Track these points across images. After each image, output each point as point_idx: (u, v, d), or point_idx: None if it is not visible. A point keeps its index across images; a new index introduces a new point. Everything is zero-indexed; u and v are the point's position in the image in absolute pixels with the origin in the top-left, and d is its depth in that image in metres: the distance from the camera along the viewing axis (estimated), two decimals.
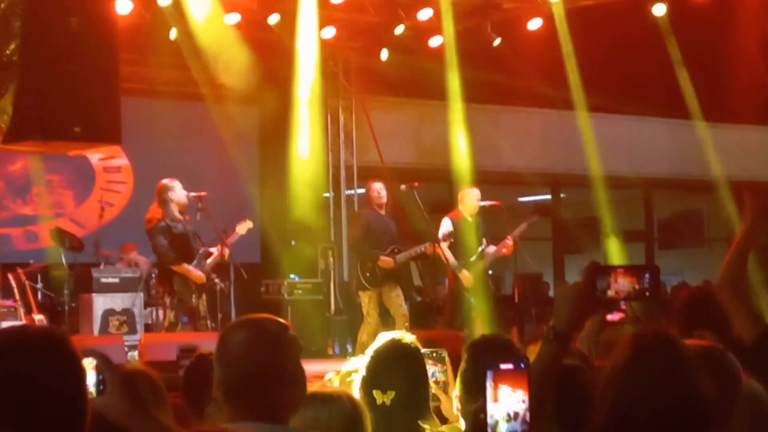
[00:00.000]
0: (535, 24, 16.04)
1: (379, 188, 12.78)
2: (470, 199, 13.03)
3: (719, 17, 16.37)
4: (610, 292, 3.34)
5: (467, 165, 16.29)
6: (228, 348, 3.55)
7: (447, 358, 5.11)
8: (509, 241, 12.98)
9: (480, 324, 12.97)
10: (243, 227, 12.45)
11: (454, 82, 16.37)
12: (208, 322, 12.35)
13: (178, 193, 11.79)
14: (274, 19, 14.67)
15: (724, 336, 4.47)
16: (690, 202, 25.59)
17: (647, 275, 3.35)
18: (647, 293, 3.33)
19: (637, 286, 3.35)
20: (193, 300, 11.78)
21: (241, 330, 3.58)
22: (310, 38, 16.33)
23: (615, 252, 18.38)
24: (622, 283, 3.35)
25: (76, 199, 16.48)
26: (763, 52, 18.27)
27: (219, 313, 13.27)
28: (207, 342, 11.13)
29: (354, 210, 18.04)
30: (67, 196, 16.49)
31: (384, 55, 17.04)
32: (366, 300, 12.58)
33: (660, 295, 3.53)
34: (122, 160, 16.63)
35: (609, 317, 6.79)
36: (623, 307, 10.34)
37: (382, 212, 12.74)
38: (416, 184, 13.09)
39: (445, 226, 12.83)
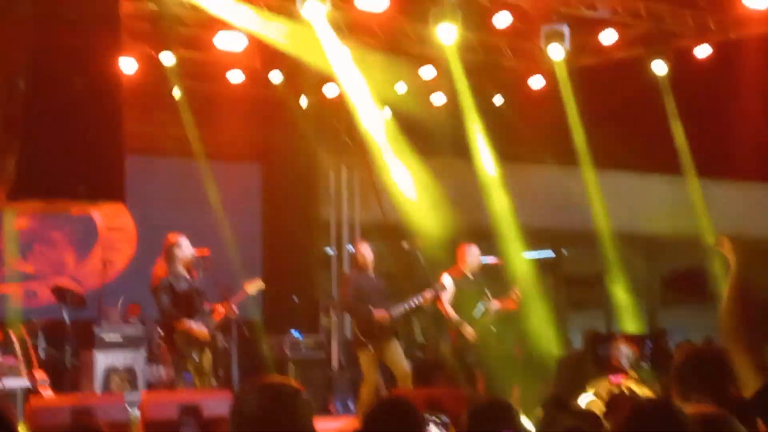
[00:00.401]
0: (537, 82, 16.14)
1: (365, 250, 12.77)
2: (471, 257, 13.03)
3: (719, 75, 16.45)
4: (613, 360, 3.34)
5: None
6: (243, 412, 3.58)
7: (450, 426, 5.09)
8: (513, 296, 12.96)
9: (483, 382, 12.91)
10: (252, 287, 12.37)
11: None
12: (211, 380, 12.30)
13: (184, 249, 11.78)
14: (276, 77, 14.74)
15: (722, 397, 4.45)
16: (692, 258, 25.54)
17: (649, 342, 3.34)
18: (649, 360, 3.33)
19: (638, 354, 3.34)
20: (195, 357, 11.72)
21: (256, 394, 3.61)
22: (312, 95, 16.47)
23: (622, 307, 18.34)
24: (623, 351, 3.34)
25: (78, 258, 16.48)
26: (764, 109, 18.33)
27: (220, 371, 13.24)
28: (209, 401, 11.13)
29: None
30: (69, 254, 16.49)
31: (387, 113, 17.12)
32: (365, 359, 12.52)
33: (663, 362, 3.53)
34: (126, 219, 16.63)
35: (612, 379, 6.79)
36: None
37: (371, 273, 12.72)
38: (418, 241, 13.10)
39: (446, 283, 12.83)
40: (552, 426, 3.31)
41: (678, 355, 5.58)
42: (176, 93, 14.85)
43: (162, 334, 12.45)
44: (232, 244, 16.43)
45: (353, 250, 12.87)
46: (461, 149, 19.62)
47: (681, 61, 15.13)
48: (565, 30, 14.26)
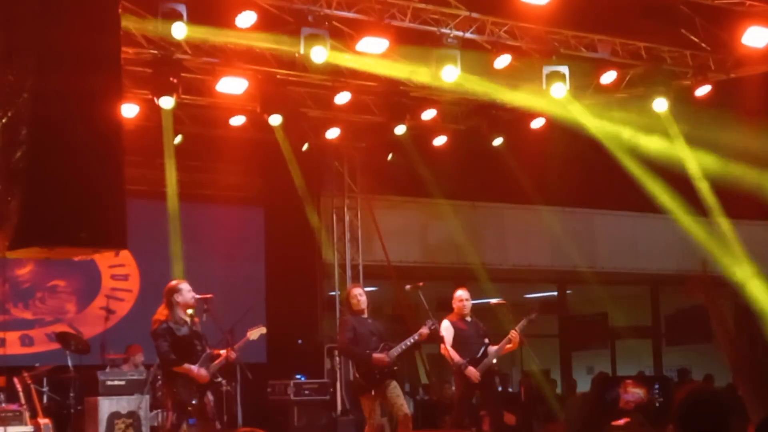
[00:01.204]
0: (537, 123, 16.18)
1: (358, 294, 12.73)
2: (456, 302, 13.10)
3: (717, 109, 16.48)
4: (621, 403, 3.34)
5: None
6: None
7: None
8: (514, 334, 12.92)
9: (488, 424, 12.87)
10: (255, 333, 12.38)
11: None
12: (216, 424, 12.26)
13: (184, 295, 11.78)
14: (276, 120, 14.79)
15: None
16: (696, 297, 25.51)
17: (657, 385, 3.35)
18: (657, 404, 3.33)
19: (646, 397, 3.34)
20: (194, 401, 11.69)
21: None
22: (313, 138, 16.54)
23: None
24: (632, 394, 3.34)
25: (78, 305, 16.46)
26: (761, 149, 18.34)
27: (225, 415, 13.21)
28: None
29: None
30: (70, 302, 16.47)
31: (390, 155, 17.20)
32: (366, 402, 12.47)
33: (670, 406, 3.53)
34: (130, 267, 16.63)
35: (614, 422, 6.77)
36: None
37: (365, 316, 12.70)
38: (421, 284, 13.09)
39: (446, 328, 12.83)
40: None
41: (678, 396, 5.56)
42: (177, 139, 14.87)
43: (162, 378, 12.43)
44: (236, 288, 16.44)
45: (349, 295, 12.79)
46: (462, 192, 19.71)
47: (680, 96, 15.16)
48: (566, 71, 14.30)
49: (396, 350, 12.53)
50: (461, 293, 13.16)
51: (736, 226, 19.66)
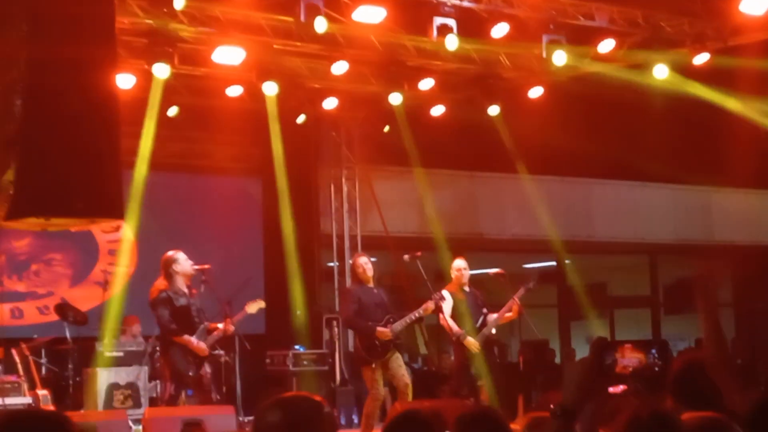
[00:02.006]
0: (535, 92, 16.12)
1: (364, 263, 12.72)
2: (454, 272, 13.09)
3: (716, 81, 16.44)
4: (618, 368, 3.35)
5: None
6: (266, 427, 3.58)
7: None
8: (513, 304, 12.92)
9: (485, 393, 12.89)
10: (254, 307, 12.43)
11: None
12: (213, 395, 12.29)
13: (182, 264, 11.82)
14: (270, 88, 14.70)
15: (716, 408, 4.44)
16: (694, 266, 25.54)
17: (654, 350, 3.35)
18: (656, 368, 3.34)
19: (644, 361, 3.35)
20: (191, 373, 11.71)
21: (277, 410, 3.60)
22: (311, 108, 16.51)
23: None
24: (629, 359, 3.34)
25: (73, 280, 16.41)
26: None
27: (224, 386, 13.23)
28: (211, 416, 11.13)
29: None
30: (65, 275, 16.42)
31: (386, 127, 17.17)
32: (369, 374, 12.49)
33: (668, 370, 3.52)
34: (127, 236, 16.56)
35: (611, 389, 6.76)
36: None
37: (371, 285, 12.68)
38: (419, 254, 13.08)
39: (445, 295, 12.82)
40: None
41: (676, 364, 5.56)
42: (173, 110, 14.79)
43: (160, 349, 12.46)
44: (234, 259, 16.43)
45: (355, 264, 12.80)
46: (462, 161, 19.67)
47: (680, 65, 15.10)
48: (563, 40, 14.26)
49: (400, 324, 12.55)
50: (460, 263, 13.16)
51: None
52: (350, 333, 17.69)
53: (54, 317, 14.66)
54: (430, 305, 12.51)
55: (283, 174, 16.83)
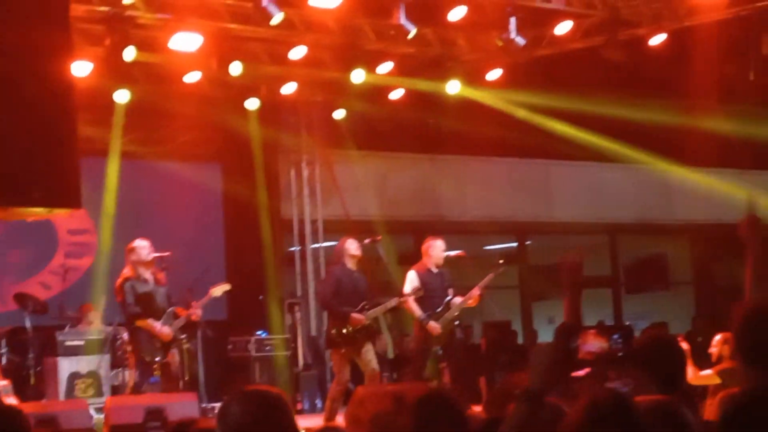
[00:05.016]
0: (495, 74, 16.14)
1: (351, 246, 12.71)
2: (436, 251, 13.01)
3: (676, 61, 16.54)
4: (581, 353, 3.38)
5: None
6: (230, 420, 3.70)
7: None
8: (476, 292, 12.96)
9: (448, 375, 12.93)
10: (219, 290, 12.50)
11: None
12: (180, 383, 12.33)
13: (139, 253, 11.92)
14: (236, 68, 14.62)
15: (674, 385, 4.51)
16: (654, 246, 25.71)
17: (617, 336, 3.39)
18: (619, 353, 3.38)
19: (607, 347, 3.39)
20: (158, 358, 11.73)
21: (241, 402, 3.73)
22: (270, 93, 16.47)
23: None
24: (592, 344, 3.37)
25: (31, 269, 16.29)
26: (719, 96, 18.46)
27: (187, 373, 13.21)
28: (174, 404, 11.11)
29: (320, 263, 18.07)
30: (23, 264, 16.29)
31: (341, 113, 17.19)
32: (337, 358, 12.51)
33: (632, 355, 3.56)
34: (86, 224, 16.47)
35: (576, 373, 6.81)
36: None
37: (354, 268, 12.68)
38: (379, 238, 13.09)
39: (411, 279, 12.81)
40: (525, 420, 3.31)
41: (638, 342, 5.61)
42: (125, 95, 14.57)
43: (125, 336, 12.46)
44: (195, 246, 16.38)
45: (344, 246, 12.72)
46: (421, 144, 19.68)
47: (638, 47, 15.17)
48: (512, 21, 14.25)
49: (374, 312, 12.61)
50: (442, 243, 13.09)
51: None
52: (312, 318, 17.72)
53: (13, 306, 14.56)
54: (408, 296, 12.53)
55: (244, 159, 16.81)
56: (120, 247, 12.27)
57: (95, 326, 14.56)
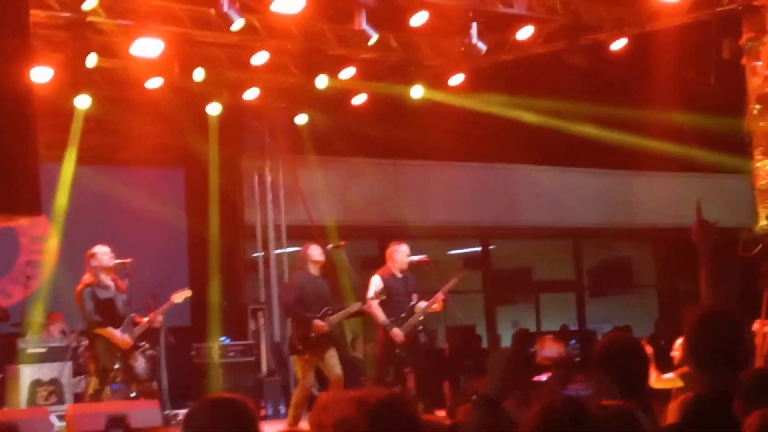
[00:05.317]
0: (458, 79, 16.16)
1: (317, 254, 12.68)
2: (400, 255, 13.00)
3: (637, 66, 16.63)
4: (539, 359, 3.39)
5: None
6: (196, 428, 3.73)
7: None
8: (441, 296, 12.96)
9: (412, 380, 12.93)
10: (180, 296, 12.44)
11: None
12: (152, 384, 12.31)
13: (100, 259, 11.84)
14: (199, 74, 14.59)
15: (637, 388, 4.52)
16: (618, 250, 25.85)
17: (574, 341, 3.40)
18: (576, 359, 3.38)
19: (564, 352, 3.39)
20: (117, 366, 11.68)
21: (208, 410, 3.75)
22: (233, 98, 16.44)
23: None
24: (550, 349, 3.38)
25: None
26: (680, 101, 18.56)
27: (153, 380, 13.15)
28: (136, 411, 11.06)
29: (283, 269, 18.04)
30: None
31: (303, 118, 17.16)
32: (301, 364, 12.49)
33: (590, 361, 3.56)
34: (48, 230, 16.37)
35: (535, 377, 6.83)
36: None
37: (317, 273, 12.66)
38: (343, 243, 13.09)
39: (375, 284, 12.79)
40: (482, 426, 3.31)
41: (600, 345, 5.60)
42: (86, 101, 14.48)
43: (84, 344, 12.39)
44: (158, 252, 16.31)
45: (307, 252, 12.68)
46: (384, 150, 19.70)
47: (598, 52, 15.23)
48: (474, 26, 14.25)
49: (336, 317, 12.59)
50: (406, 248, 13.08)
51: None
52: (276, 323, 17.68)
53: None
54: (372, 301, 12.53)
55: (207, 165, 16.77)
56: (80, 253, 12.15)
57: (57, 334, 14.50)
